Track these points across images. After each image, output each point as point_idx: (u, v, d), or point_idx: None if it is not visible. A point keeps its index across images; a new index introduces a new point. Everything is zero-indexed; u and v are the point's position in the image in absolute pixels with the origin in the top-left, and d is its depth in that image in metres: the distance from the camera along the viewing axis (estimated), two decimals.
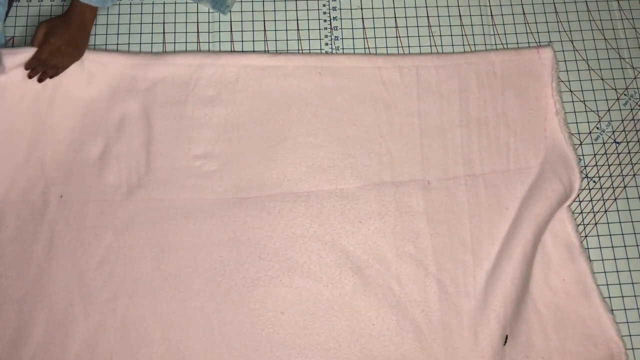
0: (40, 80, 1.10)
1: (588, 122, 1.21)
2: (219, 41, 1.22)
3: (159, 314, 1.03)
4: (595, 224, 1.15)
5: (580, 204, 1.16)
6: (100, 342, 1.01)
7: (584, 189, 1.17)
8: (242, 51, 1.21)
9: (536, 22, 1.28)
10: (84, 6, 1.08)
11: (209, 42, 1.22)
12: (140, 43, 1.21)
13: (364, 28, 1.26)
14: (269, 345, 1.03)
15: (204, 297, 1.04)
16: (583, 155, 1.19)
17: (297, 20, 1.25)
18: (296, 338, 1.03)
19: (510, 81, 1.21)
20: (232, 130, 1.15)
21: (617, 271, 1.12)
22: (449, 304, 1.06)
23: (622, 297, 1.10)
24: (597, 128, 1.21)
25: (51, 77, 1.10)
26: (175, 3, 1.25)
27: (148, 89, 1.15)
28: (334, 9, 1.27)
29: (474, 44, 1.25)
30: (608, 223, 1.15)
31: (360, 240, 1.09)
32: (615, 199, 1.17)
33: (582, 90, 1.23)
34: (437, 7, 1.28)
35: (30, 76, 1.09)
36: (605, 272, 1.12)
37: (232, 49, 1.22)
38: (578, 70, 1.25)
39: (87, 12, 1.09)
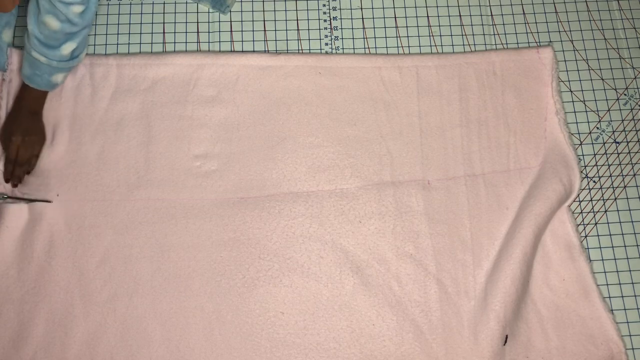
0: (14, 185, 1.07)
1: (588, 122, 1.21)
2: (219, 41, 1.22)
3: (159, 314, 1.03)
4: (595, 224, 1.15)
5: (580, 204, 1.16)
6: (100, 342, 1.01)
7: (584, 189, 1.17)
8: (242, 51, 1.21)
9: (536, 22, 1.28)
10: (31, 90, 1.06)
11: (209, 42, 1.22)
12: (140, 43, 1.21)
13: (364, 28, 1.26)
14: (269, 345, 1.03)
15: (204, 297, 1.04)
16: (583, 155, 1.19)
17: (297, 20, 1.25)
18: (296, 338, 1.03)
19: (510, 81, 1.21)
20: (232, 130, 1.15)
21: (617, 271, 1.12)
22: (449, 304, 1.06)
23: (622, 297, 1.10)
24: (597, 128, 1.21)
25: (28, 173, 1.08)
26: (175, 3, 1.25)
27: (147, 89, 1.15)
28: (334, 9, 1.26)
29: (474, 44, 1.25)
30: (608, 223, 1.15)
31: (360, 240, 1.09)
32: (615, 199, 1.17)
33: (582, 90, 1.23)
34: (437, 7, 1.28)
35: (14, 185, 1.06)
36: (605, 272, 1.12)
37: (232, 49, 1.22)
38: (578, 70, 1.25)
39: (33, 97, 1.07)
